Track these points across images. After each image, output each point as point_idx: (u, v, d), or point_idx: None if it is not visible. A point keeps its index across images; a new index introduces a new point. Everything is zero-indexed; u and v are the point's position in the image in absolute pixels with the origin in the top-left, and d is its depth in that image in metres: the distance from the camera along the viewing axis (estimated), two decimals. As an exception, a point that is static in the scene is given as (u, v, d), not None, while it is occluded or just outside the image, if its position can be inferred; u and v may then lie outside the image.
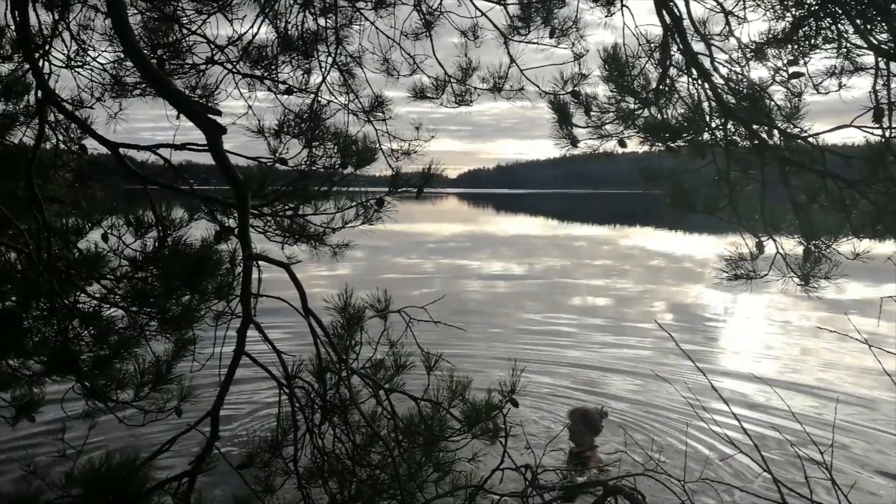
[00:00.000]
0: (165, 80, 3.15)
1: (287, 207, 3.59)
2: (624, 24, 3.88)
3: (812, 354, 9.34)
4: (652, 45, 3.73)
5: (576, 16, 4.42)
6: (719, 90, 3.37)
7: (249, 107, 4.61)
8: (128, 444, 4.68)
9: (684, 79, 3.57)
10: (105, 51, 4.25)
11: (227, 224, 3.42)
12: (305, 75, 4.93)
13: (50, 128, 3.63)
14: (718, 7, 3.62)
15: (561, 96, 3.91)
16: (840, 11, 3.04)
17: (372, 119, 5.17)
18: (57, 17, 3.94)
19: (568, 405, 6.98)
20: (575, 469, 5.18)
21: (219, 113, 3.01)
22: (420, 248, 23.99)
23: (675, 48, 3.56)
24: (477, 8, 4.74)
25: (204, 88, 4.57)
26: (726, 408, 4.02)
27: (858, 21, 2.97)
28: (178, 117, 3.23)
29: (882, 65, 2.99)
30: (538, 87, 4.50)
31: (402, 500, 3.03)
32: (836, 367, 8.63)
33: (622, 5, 4.03)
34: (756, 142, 3.24)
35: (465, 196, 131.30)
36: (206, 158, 2.97)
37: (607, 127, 3.60)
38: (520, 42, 4.66)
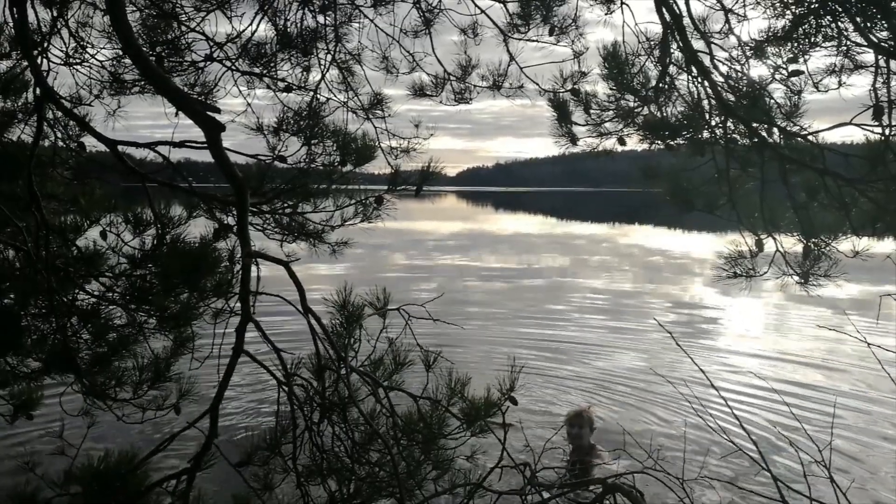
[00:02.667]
0: (164, 77, 3.14)
1: (286, 205, 3.59)
2: (624, 21, 3.88)
3: (811, 352, 9.35)
4: (651, 42, 3.73)
5: (575, 14, 4.42)
6: (719, 88, 3.36)
7: (248, 104, 4.61)
8: (126, 441, 4.68)
9: (684, 77, 3.56)
10: (104, 48, 4.25)
11: (225, 222, 3.42)
12: (304, 73, 4.93)
13: (48, 125, 3.62)
14: (718, 5, 3.61)
15: (560, 94, 3.91)
16: (840, 9, 3.04)
17: (371, 117, 5.16)
18: (55, 14, 3.93)
19: (567, 404, 6.99)
20: (575, 471, 5.18)
21: (218, 110, 3.00)
22: (419, 245, 23.99)
23: (674, 46, 3.56)
24: (476, 5, 4.73)
25: (203, 86, 4.57)
26: (725, 406, 4.02)
27: (858, 19, 2.96)
28: (176, 115, 3.22)
29: (882, 63, 2.98)
30: (538, 84, 4.49)
31: (400, 497, 3.03)
32: (835, 365, 8.64)
33: (622, 3, 4.02)
34: (756, 140, 3.23)
35: (464, 194, 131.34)
36: (204, 156, 2.97)
37: (607, 125, 3.59)
38: (519, 40, 4.65)
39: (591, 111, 3.63)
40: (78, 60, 4.22)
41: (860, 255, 2.97)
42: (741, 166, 3.33)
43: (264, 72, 4.68)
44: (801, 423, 4.10)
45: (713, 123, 3.41)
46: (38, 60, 3.46)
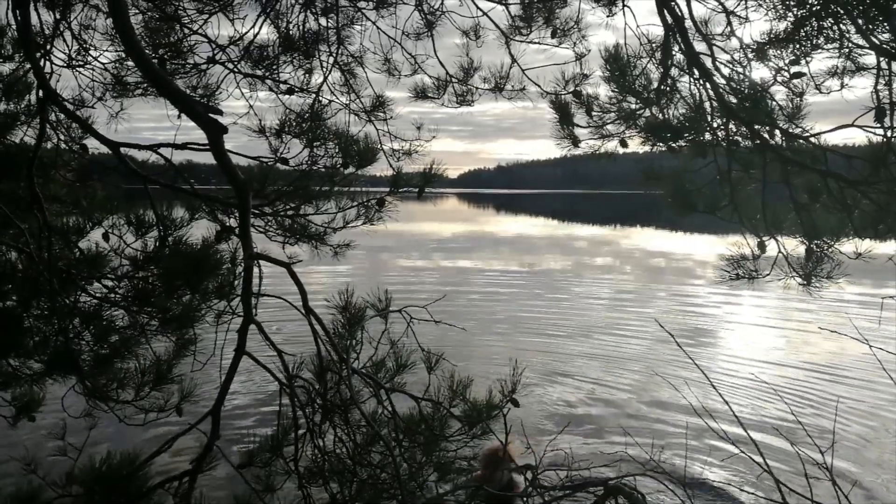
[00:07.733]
0: (167, 79, 3.15)
1: (288, 207, 3.59)
2: (625, 24, 3.88)
3: (813, 354, 9.34)
4: (653, 45, 3.73)
5: (577, 16, 4.42)
6: (721, 90, 3.36)
7: (251, 106, 4.62)
8: (128, 443, 4.69)
9: (686, 79, 3.56)
10: (106, 50, 4.26)
11: (227, 224, 3.42)
12: (307, 75, 4.93)
13: (51, 127, 3.63)
14: (720, 7, 3.61)
15: (562, 96, 3.91)
16: (842, 11, 3.04)
17: (373, 119, 5.17)
18: (58, 16, 3.94)
19: (567, 407, 6.99)
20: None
21: (220, 112, 3.00)
22: (421, 247, 24.00)
23: (676, 48, 3.56)
24: (478, 8, 4.74)
25: (205, 88, 4.57)
26: (726, 407, 4.02)
27: (860, 21, 2.96)
28: (179, 117, 3.23)
29: (884, 64, 2.98)
30: (540, 87, 4.49)
31: (402, 499, 3.03)
32: (837, 367, 8.63)
33: (623, 5, 4.02)
34: (758, 142, 3.23)
35: (465, 196, 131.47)
36: (207, 158, 2.97)
37: (609, 127, 3.59)
38: (521, 42, 4.65)
39: (593, 113, 3.63)
40: (81, 63, 4.23)
41: (862, 257, 2.97)
42: (743, 168, 3.32)
43: (266, 74, 4.69)
44: (803, 425, 4.10)
45: (715, 125, 3.41)
46: (41, 63, 3.47)
